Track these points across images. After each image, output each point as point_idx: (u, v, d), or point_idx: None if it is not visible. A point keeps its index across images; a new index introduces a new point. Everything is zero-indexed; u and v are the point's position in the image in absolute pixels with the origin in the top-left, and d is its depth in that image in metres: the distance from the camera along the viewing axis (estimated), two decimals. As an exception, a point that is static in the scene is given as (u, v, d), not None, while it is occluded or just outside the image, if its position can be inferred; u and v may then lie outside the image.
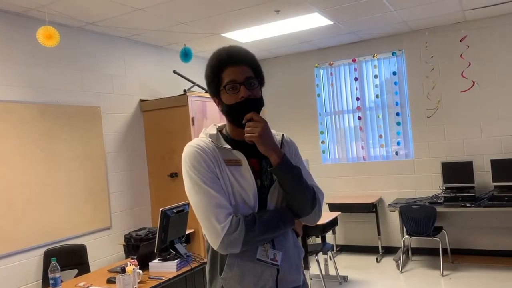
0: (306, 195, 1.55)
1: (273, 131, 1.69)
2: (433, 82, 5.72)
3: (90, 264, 4.16)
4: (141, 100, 5.17)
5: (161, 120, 5.06)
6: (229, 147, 1.56)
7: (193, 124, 4.88)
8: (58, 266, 2.95)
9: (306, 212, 1.57)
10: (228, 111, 1.56)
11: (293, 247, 1.62)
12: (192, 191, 1.50)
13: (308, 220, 1.61)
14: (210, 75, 1.58)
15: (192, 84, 5.41)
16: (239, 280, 1.49)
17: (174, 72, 5.34)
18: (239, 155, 1.55)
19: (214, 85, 1.57)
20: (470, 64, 5.50)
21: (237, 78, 1.52)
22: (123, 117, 4.93)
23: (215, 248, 1.46)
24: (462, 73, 5.55)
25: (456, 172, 5.46)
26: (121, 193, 4.80)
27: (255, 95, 1.55)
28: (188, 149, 1.55)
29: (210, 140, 1.57)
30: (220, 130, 1.65)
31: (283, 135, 1.71)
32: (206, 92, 5.48)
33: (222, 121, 1.70)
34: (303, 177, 1.56)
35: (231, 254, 1.48)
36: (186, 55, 5.02)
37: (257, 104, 1.55)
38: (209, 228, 1.45)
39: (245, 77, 1.53)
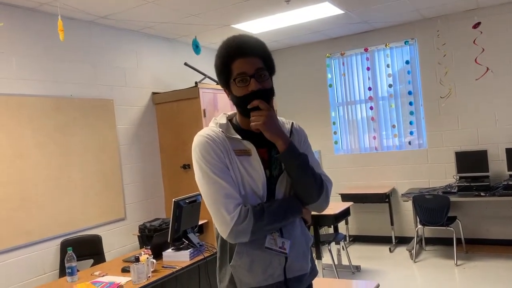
0: (312, 182, 1.55)
1: (282, 119, 1.69)
2: (446, 68, 5.65)
3: (105, 254, 4.23)
4: (153, 93, 5.22)
5: (173, 113, 5.10)
6: (239, 137, 1.55)
7: (204, 116, 4.90)
8: (74, 256, 3.02)
9: (313, 200, 1.57)
10: (238, 102, 1.55)
11: (301, 235, 1.64)
12: (202, 181, 1.51)
13: (315, 208, 1.61)
14: (219, 66, 1.57)
15: (203, 76, 5.43)
16: (248, 268, 1.51)
17: (185, 64, 5.37)
18: (248, 145, 1.55)
19: (224, 76, 1.56)
20: (483, 50, 5.42)
21: (247, 71, 1.50)
22: (136, 110, 4.98)
23: (225, 237, 1.48)
24: (475, 59, 5.47)
25: (470, 162, 5.40)
26: (135, 184, 4.86)
27: (265, 86, 1.53)
28: (198, 139, 1.56)
29: (220, 130, 1.57)
30: (230, 119, 1.64)
31: (292, 123, 1.71)
32: (217, 84, 5.50)
33: (234, 112, 1.69)
34: (310, 164, 1.56)
35: (240, 242, 1.50)
36: (197, 46, 5.05)
37: (266, 94, 1.54)
38: (219, 218, 1.47)
39: (255, 69, 1.51)
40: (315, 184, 1.55)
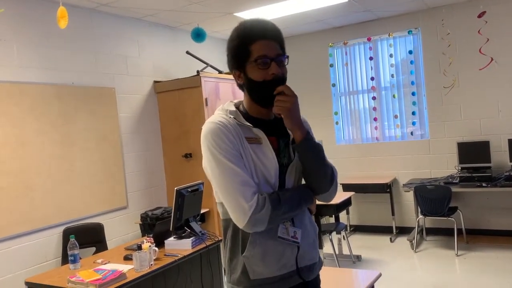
0: (326, 173, 1.54)
1: None
2: (450, 59, 5.62)
3: (107, 242, 4.25)
4: (155, 82, 5.19)
5: (175, 101, 5.08)
6: (250, 124, 1.51)
7: (206, 105, 4.89)
8: (77, 243, 3.03)
9: (325, 189, 1.56)
10: (255, 87, 1.49)
11: (310, 224, 1.62)
12: (216, 169, 1.45)
13: (325, 197, 1.59)
14: (236, 46, 1.50)
15: (205, 65, 5.40)
16: (261, 258, 1.48)
17: (187, 53, 5.34)
18: (259, 133, 1.51)
19: (240, 57, 1.50)
20: (488, 40, 5.37)
21: (268, 54, 1.46)
22: (137, 98, 4.97)
23: (241, 226, 1.43)
24: (480, 49, 5.43)
25: (473, 152, 5.39)
26: (137, 173, 4.86)
27: (284, 73, 1.50)
28: (209, 126, 1.49)
29: (231, 116, 1.52)
30: (237, 106, 1.59)
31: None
32: (219, 73, 5.48)
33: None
34: (323, 154, 1.55)
35: (253, 232, 1.46)
36: (198, 35, 5.01)
37: (283, 83, 1.50)
38: (236, 207, 1.41)
39: (276, 54, 1.47)
40: (328, 175, 1.55)
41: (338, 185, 6.01)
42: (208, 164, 1.49)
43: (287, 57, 1.53)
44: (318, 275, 1.68)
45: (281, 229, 1.50)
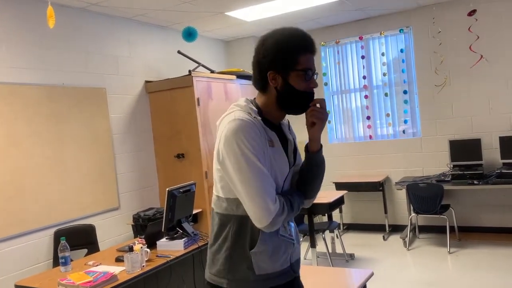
0: (321, 182, 1.70)
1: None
2: (441, 57, 5.64)
3: (99, 243, 4.22)
4: (146, 82, 5.17)
5: (166, 101, 5.06)
6: (268, 127, 1.57)
7: (198, 104, 4.87)
8: (68, 246, 3.00)
9: (313, 196, 1.70)
10: (294, 95, 1.55)
11: (293, 222, 1.75)
12: (245, 167, 1.44)
13: (308, 203, 1.72)
14: (287, 51, 1.52)
15: (197, 65, 5.38)
16: (269, 254, 1.54)
17: (179, 52, 5.31)
18: (274, 137, 1.58)
19: (285, 63, 1.52)
20: (478, 37, 5.40)
21: (312, 68, 1.57)
22: (128, 99, 4.93)
23: (261, 225, 1.45)
24: (470, 47, 5.46)
25: (464, 150, 5.42)
26: (128, 174, 4.83)
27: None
28: (239, 123, 1.47)
29: (257, 117, 1.54)
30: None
31: (288, 121, 1.77)
32: (211, 72, 5.46)
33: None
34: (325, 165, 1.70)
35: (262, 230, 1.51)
36: (190, 34, 4.99)
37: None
38: (262, 207, 1.43)
39: (315, 69, 1.59)
40: (320, 184, 1.71)
41: (331, 183, 6.05)
42: (233, 160, 1.47)
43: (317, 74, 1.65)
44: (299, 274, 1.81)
45: (281, 228, 1.59)
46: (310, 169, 1.64)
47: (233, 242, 1.54)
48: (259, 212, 1.44)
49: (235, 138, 1.46)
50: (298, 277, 1.73)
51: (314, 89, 1.61)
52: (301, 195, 1.63)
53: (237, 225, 1.54)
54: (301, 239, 4.97)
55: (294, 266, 1.67)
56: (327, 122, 1.65)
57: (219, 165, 1.53)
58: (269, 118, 1.61)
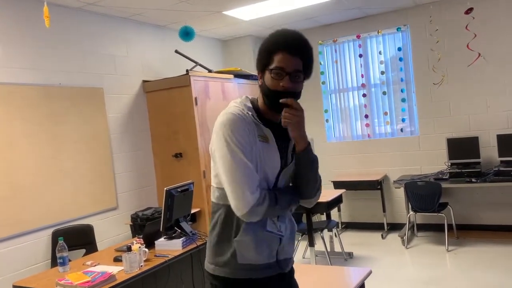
0: (315, 182, 1.66)
1: None
2: (438, 55, 5.65)
3: (97, 243, 4.21)
4: (144, 81, 5.16)
5: (164, 101, 5.05)
6: (262, 123, 1.61)
7: (196, 104, 4.86)
8: (66, 246, 2.99)
9: (311, 196, 1.68)
10: (268, 93, 1.59)
11: (289, 221, 1.76)
12: (227, 157, 1.51)
13: (308, 202, 1.71)
14: (262, 51, 1.60)
15: (194, 64, 5.37)
16: (251, 245, 1.59)
17: (176, 52, 5.30)
18: (268, 133, 1.61)
19: (263, 62, 1.60)
20: (475, 35, 5.41)
21: (286, 67, 1.54)
22: (126, 98, 4.92)
23: (239, 214, 1.51)
24: (467, 45, 5.47)
25: (462, 148, 5.43)
26: (126, 173, 4.83)
27: (296, 88, 1.58)
28: (228, 116, 1.55)
29: (249, 113, 1.60)
30: (252, 103, 1.68)
31: None
32: (209, 72, 5.45)
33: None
34: (317, 165, 1.66)
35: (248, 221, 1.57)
36: (187, 34, 4.98)
37: (294, 97, 1.58)
38: (240, 196, 1.50)
39: (293, 69, 1.55)
40: (316, 184, 1.67)
41: (329, 182, 6.05)
42: (219, 151, 1.55)
43: (306, 75, 1.62)
44: (293, 269, 1.81)
45: (269, 223, 1.62)
46: (299, 169, 1.64)
47: (220, 230, 1.63)
48: (238, 201, 1.51)
49: (223, 130, 1.54)
50: (289, 275, 1.75)
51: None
52: (294, 193, 1.66)
53: (225, 213, 1.62)
54: (300, 238, 4.97)
55: (281, 263, 1.68)
56: (301, 123, 1.58)
57: (212, 156, 1.64)
58: (268, 116, 1.65)
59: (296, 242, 4.98)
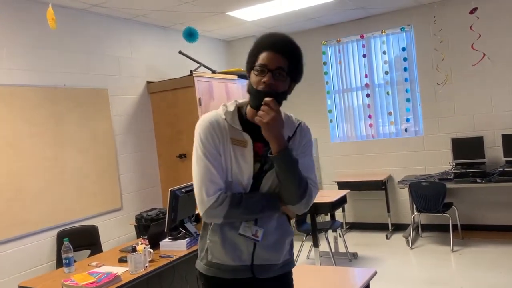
0: (295, 188, 1.60)
1: (292, 115, 1.75)
2: (442, 55, 5.63)
3: (102, 244, 4.23)
4: (148, 82, 5.17)
5: (168, 102, 5.06)
6: (239, 128, 1.62)
7: (200, 104, 4.87)
8: (71, 246, 3.00)
9: (292, 202, 1.63)
10: (250, 91, 1.62)
11: (276, 228, 1.69)
12: (194, 162, 1.63)
13: (293, 209, 1.67)
14: (250, 53, 1.65)
15: (198, 65, 5.38)
16: (219, 245, 1.65)
17: (180, 53, 5.31)
18: (246, 137, 1.62)
19: (249, 62, 1.63)
20: (480, 35, 5.39)
21: (268, 64, 1.56)
22: (130, 99, 4.94)
23: (201, 215, 1.63)
24: (472, 45, 5.44)
25: (467, 148, 5.40)
26: (131, 174, 4.84)
27: (278, 86, 1.57)
28: (200, 122, 1.66)
29: (224, 117, 1.65)
30: (240, 106, 1.70)
31: (300, 123, 1.75)
32: (212, 72, 5.46)
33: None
34: (298, 170, 1.59)
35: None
36: (191, 35, 4.99)
37: (277, 97, 1.57)
38: (198, 198, 1.60)
39: (276, 66, 1.56)
40: (298, 190, 1.60)
41: (333, 183, 6.03)
42: (192, 155, 1.65)
43: (294, 76, 1.62)
44: (285, 276, 1.75)
45: (243, 226, 1.63)
46: (277, 174, 1.60)
47: (202, 227, 1.74)
48: (198, 203, 1.60)
49: (195, 133, 1.66)
50: (268, 282, 1.68)
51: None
52: (270, 199, 1.62)
53: None
54: (304, 239, 4.96)
55: (256, 268, 1.66)
56: (274, 123, 1.53)
57: None
58: (251, 119, 1.64)
59: (300, 243, 5.00)
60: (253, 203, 1.60)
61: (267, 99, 1.53)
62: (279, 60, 1.56)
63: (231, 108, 1.67)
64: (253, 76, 1.59)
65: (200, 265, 1.73)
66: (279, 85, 1.58)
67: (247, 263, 1.65)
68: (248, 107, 1.66)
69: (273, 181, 1.64)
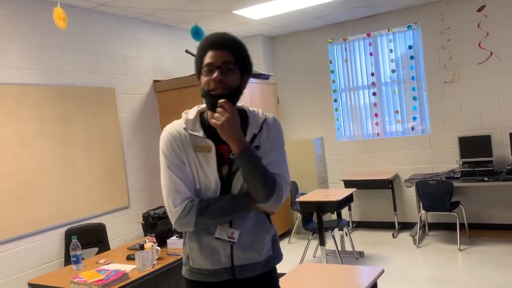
0: (261, 186, 1.58)
1: (260, 111, 1.72)
2: (450, 53, 5.60)
3: (110, 242, 4.25)
4: (155, 81, 5.19)
5: (175, 100, 5.07)
6: (200, 134, 1.62)
7: (207, 103, 4.88)
8: (79, 244, 3.03)
9: (261, 200, 1.61)
10: (202, 94, 1.60)
11: (255, 227, 1.68)
12: (161, 174, 1.65)
13: (265, 207, 1.65)
14: (195, 59, 1.66)
15: (205, 63, 5.38)
16: (197, 251, 1.66)
17: (186, 51, 5.32)
18: (209, 143, 1.61)
19: (197, 67, 1.64)
20: (487, 34, 5.35)
21: (214, 62, 1.56)
22: (137, 98, 4.96)
23: (173, 225, 1.63)
24: (479, 44, 5.41)
25: (474, 146, 5.38)
26: (138, 173, 4.86)
27: (228, 80, 1.56)
28: (162, 134, 1.67)
29: (184, 126, 1.64)
30: (202, 112, 1.70)
31: (266, 118, 1.70)
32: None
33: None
34: (262, 168, 1.58)
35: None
36: (198, 33, 5.00)
37: (230, 94, 1.56)
38: (167, 209, 1.62)
39: (222, 62, 1.56)
40: (265, 188, 1.58)
41: (340, 181, 6.01)
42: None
43: (243, 69, 1.61)
44: (270, 273, 1.73)
45: (218, 230, 1.63)
46: (242, 173, 1.59)
47: (183, 235, 1.74)
48: (168, 214, 1.63)
49: (160, 147, 1.66)
50: (250, 282, 1.67)
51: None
52: (239, 198, 1.61)
53: None
54: (311, 237, 4.96)
55: (237, 269, 1.65)
56: (229, 125, 1.53)
57: None
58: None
59: (307, 242, 5.00)
60: (219, 207, 1.59)
61: (220, 101, 1.52)
62: (223, 55, 1.57)
63: (192, 115, 1.67)
64: (203, 78, 1.59)
65: (184, 271, 1.74)
66: (229, 79, 1.57)
67: (226, 265, 1.64)
68: (209, 111, 1.64)
69: (243, 182, 1.63)
